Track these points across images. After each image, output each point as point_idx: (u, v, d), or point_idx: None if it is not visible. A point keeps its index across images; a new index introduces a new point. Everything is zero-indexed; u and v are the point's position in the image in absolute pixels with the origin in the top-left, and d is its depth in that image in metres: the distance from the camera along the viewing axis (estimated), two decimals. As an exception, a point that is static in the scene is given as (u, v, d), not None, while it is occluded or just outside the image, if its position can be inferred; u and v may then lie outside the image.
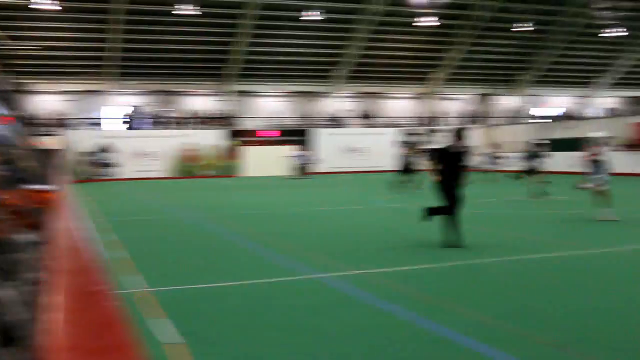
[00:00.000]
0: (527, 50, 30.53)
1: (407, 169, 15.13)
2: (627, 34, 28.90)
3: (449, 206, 6.71)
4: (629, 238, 7.28)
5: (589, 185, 8.90)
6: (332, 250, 6.65)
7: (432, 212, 7.01)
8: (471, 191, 8.76)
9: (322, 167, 26.10)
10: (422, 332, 3.70)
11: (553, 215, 9.74)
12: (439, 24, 27.25)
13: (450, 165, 6.73)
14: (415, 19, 26.91)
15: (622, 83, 33.72)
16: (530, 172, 12.76)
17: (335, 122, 29.78)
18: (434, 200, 7.14)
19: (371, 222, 9.37)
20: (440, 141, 24.19)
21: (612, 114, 31.38)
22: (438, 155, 6.89)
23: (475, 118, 31.43)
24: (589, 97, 33.98)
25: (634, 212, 9.81)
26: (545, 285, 4.93)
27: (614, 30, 28.45)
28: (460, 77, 30.97)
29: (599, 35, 29.15)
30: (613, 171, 9.27)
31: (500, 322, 3.84)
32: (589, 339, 3.52)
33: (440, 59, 29.98)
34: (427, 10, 26.68)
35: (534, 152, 12.95)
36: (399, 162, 15.83)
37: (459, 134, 6.93)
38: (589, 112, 32.38)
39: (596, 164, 8.83)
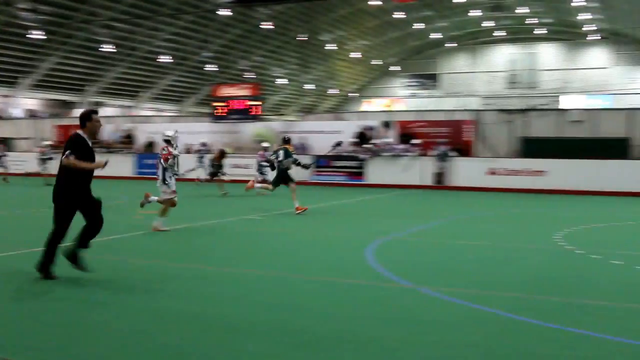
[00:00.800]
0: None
1: None
2: (47, 37, 46.77)
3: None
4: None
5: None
6: None
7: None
8: None
9: None
10: None
11: None
12: None
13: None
14: None
15: (43, 85, 52.49)
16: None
17: None
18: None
19: None
20: None
21: (34, 115, 49.24)
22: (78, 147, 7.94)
23: None
24: (12, 97, 51.12)
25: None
26: None
27: (37, 32, 45.56)
28: None
29: (24, 35, 45.67)
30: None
31: None
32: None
33: None
34: None
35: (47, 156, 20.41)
36: None
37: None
38: (12, 112, 49.32)
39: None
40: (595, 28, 67.98)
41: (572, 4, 58.39)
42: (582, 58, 72.66)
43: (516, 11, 63.29)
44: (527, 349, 5.73)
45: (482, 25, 69.88)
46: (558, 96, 69.27)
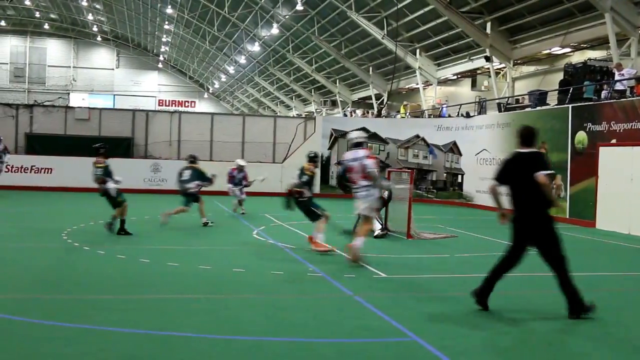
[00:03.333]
0: None
1: None
2: None
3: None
4: None
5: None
6: None
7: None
8: None
9: None
10: None
11: None
12: None
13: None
14: None
15: None
16: None
17: None
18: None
19: None
20: None
21: None
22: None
23: None
24: None
25: None
26: None
27: None
28: None
29: None
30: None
31: None
32: None
33: None
34: None
35: None
36: None
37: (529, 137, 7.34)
38: None
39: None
40: (100, 29, 69.74)
41: (78, 3, 58.75)
42: (89, 57, 73.65)
43: (23, 2, 60.67)
44: (32, 349, 5.64)
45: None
46: (67, 93, 68.89)
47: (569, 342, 6.58)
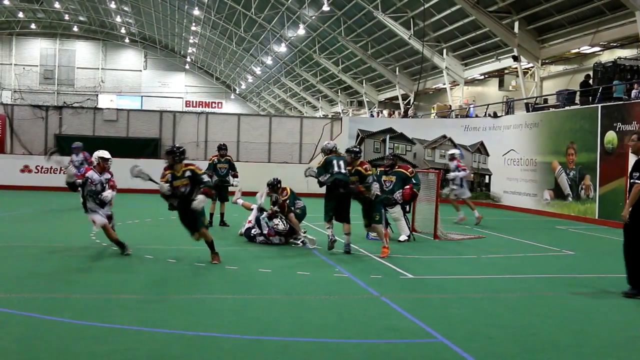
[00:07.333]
0: None
1: None
2: None
3: None
4: None
5: None
6: None
7: None
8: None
9: None
10: None
11: None
12: None
13: None
14: None
15: None
16: None
17: None
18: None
19: None
20: None
21: None
22: None
23: None
24: None
25: None
26: None
27: None
28: None
29: None
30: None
31: None
32: None
33: None
34: None
35: None
36: None
37: None
38: None
39: None
40: (128, 31, 70.40)
41: (106, 6, 59.33)
42: (117, 59, 74.40)
43: (52, 5, 61.53)
44: (63, 348, 5.72)
45: (17, 16, 66.10)
46: (95, 94, 69.71)
47: (597, 343, 6.49)
